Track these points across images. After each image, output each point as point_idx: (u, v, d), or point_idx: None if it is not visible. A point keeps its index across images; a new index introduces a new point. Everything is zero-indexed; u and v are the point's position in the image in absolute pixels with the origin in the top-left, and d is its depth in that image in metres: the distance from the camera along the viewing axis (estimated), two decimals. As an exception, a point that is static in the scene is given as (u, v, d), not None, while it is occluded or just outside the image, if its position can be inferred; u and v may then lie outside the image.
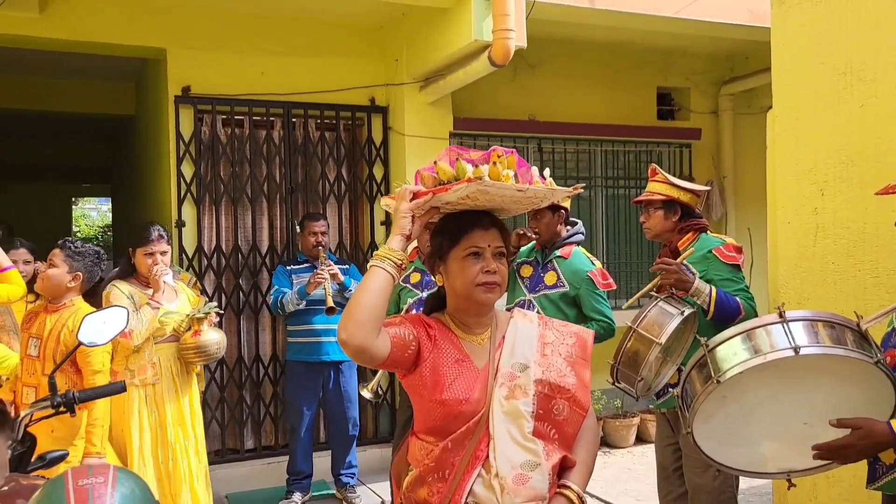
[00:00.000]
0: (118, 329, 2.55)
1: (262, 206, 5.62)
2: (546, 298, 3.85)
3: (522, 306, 3.84)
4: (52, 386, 2.37)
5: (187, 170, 5.41)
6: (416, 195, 1.81)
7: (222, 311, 5.19)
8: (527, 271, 3.98)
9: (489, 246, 1.87)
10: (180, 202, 5.39)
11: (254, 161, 5.59)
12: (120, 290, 3.75)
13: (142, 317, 3.69)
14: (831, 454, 2.00)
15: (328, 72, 5.70)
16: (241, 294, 5.52)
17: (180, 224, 5.37)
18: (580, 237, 4.03)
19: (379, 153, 5.92)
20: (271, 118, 5.62)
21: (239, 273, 5.52)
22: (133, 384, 3.66)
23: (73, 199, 17.57)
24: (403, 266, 1.81)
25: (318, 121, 5.76)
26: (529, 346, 1.92)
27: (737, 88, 7.02)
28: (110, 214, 23.92)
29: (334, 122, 5.80)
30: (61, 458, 2.29)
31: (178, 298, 3.95)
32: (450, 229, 1.90)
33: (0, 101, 7.28)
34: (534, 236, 3.92)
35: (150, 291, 3.82)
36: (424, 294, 4.15)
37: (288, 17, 5.57)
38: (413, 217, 1.81)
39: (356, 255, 5.85)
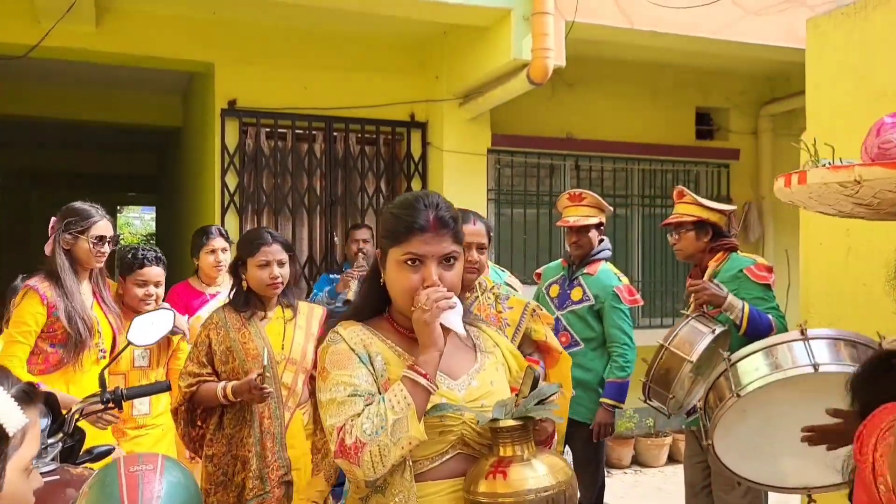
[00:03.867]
0: (165, 330, 2.68)
1: (302, 217, 5.76)
2: (573, 314, 3.90)
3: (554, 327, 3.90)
4: (103, 382, 2.50)
5: (231, 181, 5.58)
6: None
7: None
8: (555, 291, 4.03)
9: None
10: (224, 212, 5.55)
11: (295, 173, 5.75)
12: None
13: None
14: (822, 437, 2.07)
15: (369, 87, 5.84)
16: (279, 302, 5.66)
17: (223, 233, 5.53)
18: (608, 253, 4.08)
19: (417, 168, 6.03)
20: (313, 132, 5.77)
21: (278, 282, 5.66)
22: None
23: (119, 207, 18.01)
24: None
25: (359, 135, 5.90)
26: None
27: (777, 109, 7.00)
28: (153, 223, 24.50)
29: (374, 136, 5.94)
30: (108, 453, 2.41)
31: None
32: None
33: (51, 111, 7.57)
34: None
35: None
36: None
37: (331, 34, 5.73)
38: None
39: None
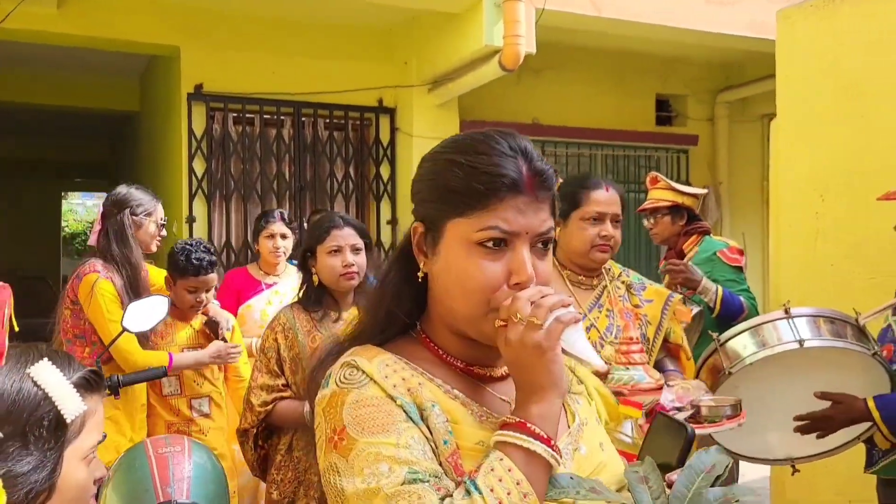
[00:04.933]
0: (160, 316, 2.67)
1: (271, 202, 5.74)
2: None
3: None
4: (99, 370, 2.48)
5: (198, 166, 5.52)
6: None
7: None
8: None
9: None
10: (191, 198, 5.50)
11: (264, 159, 5.72)
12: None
13: None
14: (813, 424, 2.18)
15: (338, 73, 5.83)
16: (249, 288, 5.64)
17: (191, 220, 5.48)
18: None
19: (386, 153, 6.06)
20: (282, 117, 5.74)
21: (248, 268, 5.63)
22: None
23: (64, 193, 17.55)
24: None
25: (328, 120, 5.89)
26: None
27: (732, 97, 7.22)
28: (97, 210, 23.90)
29: (343, 122, 5.93)
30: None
31: None
32: None
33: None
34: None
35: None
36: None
37: (300, 19, 5.70)
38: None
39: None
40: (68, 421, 1.12)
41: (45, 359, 1.12)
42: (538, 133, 6.51)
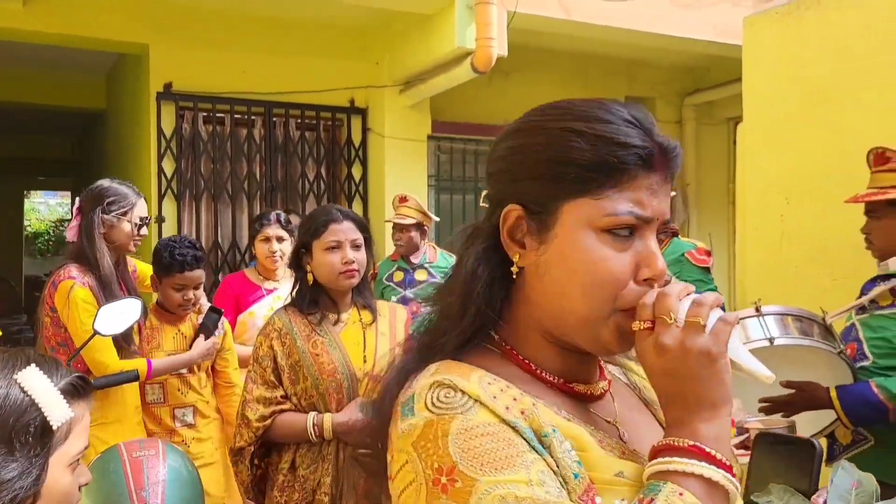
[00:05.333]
0: (133, 319, 2.63)
1: (242, 203, 5.70)
2: None
3: None
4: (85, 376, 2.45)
5: (168, 166, 5.46)
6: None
7: None
8: None
9: None
10: (160, 198, 5.44)
11: (235, 158, 5.68)
12: None
13: None
14: (776, 407, 2.27)
15: (309, 72, 5.81)
16: (219, 289, 5.60)
17: (160, 220, 5.42)
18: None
19: (358, 154, 6.05)
20: (253, 117, 5.71)
21: (218, 269, 5.59)
22: None
23: (26, 191, 17.21)
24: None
25: (299, 120, 5.87)
26: None
27: (699, 100, 7.33)
28: (60, 209, 23.47)
29: (315, 122, 5.91)
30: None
31: None
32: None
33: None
34: None
35: None
36: (408, 293, 4.29)
37: (270, 18, 5.66)
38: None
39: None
40: (55, 427, 1.12)
41: (33, 364, 1.12)
42: (509, 134, 6.54)
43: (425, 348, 0.89)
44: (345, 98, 5.97)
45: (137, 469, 1.62)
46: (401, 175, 5.80)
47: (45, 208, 24.01)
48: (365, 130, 6.04)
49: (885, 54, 2.95)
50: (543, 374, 0.87)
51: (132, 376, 2.68)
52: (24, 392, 1.09)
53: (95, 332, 2.57)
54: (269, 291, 3.57)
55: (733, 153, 7.29)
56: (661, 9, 5.60)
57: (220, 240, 5.61)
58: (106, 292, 2.74)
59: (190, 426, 2.95)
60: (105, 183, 2.88)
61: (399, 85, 5.78)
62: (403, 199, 4.38)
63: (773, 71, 3.36)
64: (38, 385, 1.10)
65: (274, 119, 5.78)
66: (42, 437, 1.10)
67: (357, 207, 6.02)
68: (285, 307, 2.35)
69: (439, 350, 0.88)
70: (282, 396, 2.22)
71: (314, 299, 2.28)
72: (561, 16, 5.39)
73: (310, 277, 2.27)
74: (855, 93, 3.04)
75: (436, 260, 4.43)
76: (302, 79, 5.75)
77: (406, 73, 5.65)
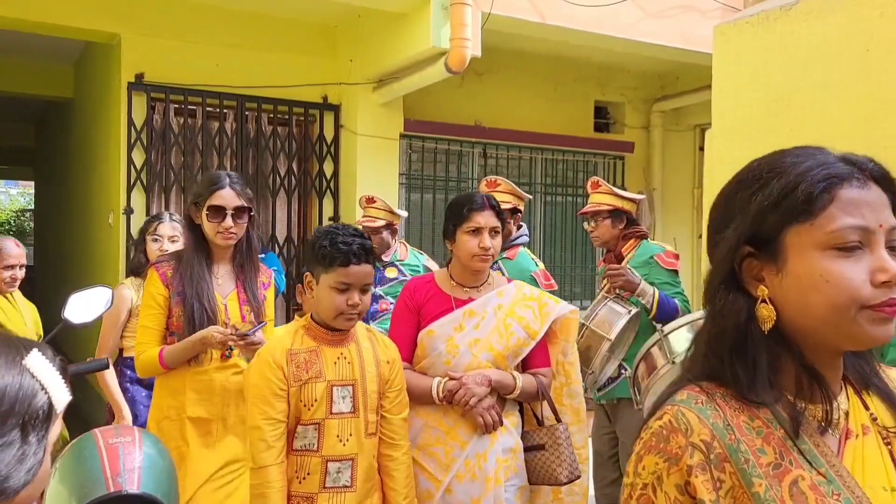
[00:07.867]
0: (102, 308, 2.62)
1: (211, 196, 5.66)
2: None
3: None
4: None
5: (138, 157, 5.41)
6: None
7: None
8: None
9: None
10: (129, 189, 5.39)
11: (205, 151, 5.65)
12: None
13: None
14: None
15: (282, 67, 5.80)
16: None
17: (129, 211, 5.38)
18: (525, 239, 4.26)
19: (330, 150, 6.05)
20: (224, 110, 5.68)
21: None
22: None
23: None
24: None
25: (271, 115, 5.86)
26: None
27: (667, 106, 7.46)
28: (21, 199, 22.98)
29: (287, 117, 5.91)
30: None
31: None
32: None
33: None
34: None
35: None
36: (377, 290, 4.31)
37: (245, 11, 5.65)
38: None
39: (304, 249, 5.97)
40: (59, 410, 1.13)
41: (35, 349, 1.13)
42: (480, 135, 6.61)
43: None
44: (318, 94, 5.97)
45: (113, 455, 1.61)
46: (372, 172, 5.82)
47: (6, 197, 23.50)
48: (337, 127, 6.05)
49: (844, 65, 3.06)
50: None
51: (102, 364, 2.66)
52: (34, 377, 1.11)
53: (65, 321, 2.56)
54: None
55: (699, 159, 7.45)
56: (633, 16, 5.70)
57: (188, 233, 5.57)
58: (184, 287, 2.65)
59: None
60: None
61: (372, 83, 5.80)
62: (371, 200, 4.40)
63: (740, 78, 3.45)
64: (44, 370, 1.12)
65: (246, 113, 5.76)
66: (46, 420, 1.11)
67: (328, 204, 6.02)
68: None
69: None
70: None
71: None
72: (535, 19, 5.45)
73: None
74: (816, 101, 3.14)
75: (406, 258, 4.46)
76: (275, 74, 5.75)
77: (379, 71, 5.67)
